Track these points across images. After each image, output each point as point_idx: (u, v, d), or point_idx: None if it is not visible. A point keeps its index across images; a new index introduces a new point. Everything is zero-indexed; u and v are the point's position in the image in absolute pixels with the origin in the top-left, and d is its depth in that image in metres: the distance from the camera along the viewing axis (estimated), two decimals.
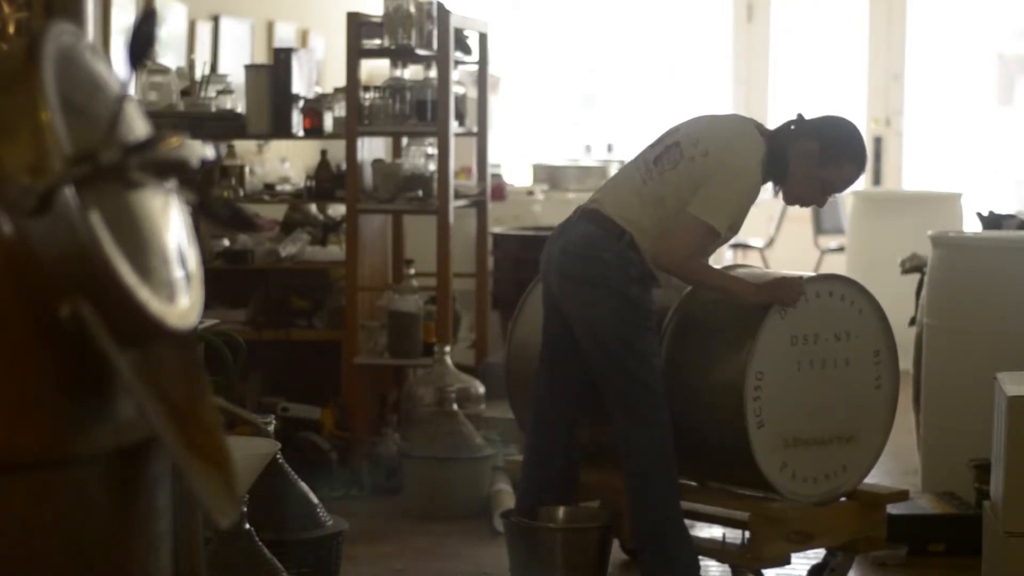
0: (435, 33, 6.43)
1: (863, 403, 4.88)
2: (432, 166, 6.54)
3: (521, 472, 5.02)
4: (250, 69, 6.74)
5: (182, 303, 2.06)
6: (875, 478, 6.51)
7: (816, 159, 4.68)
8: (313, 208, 7.18)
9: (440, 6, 6.42)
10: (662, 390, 4.66)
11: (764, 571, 4.87)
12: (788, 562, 4.81)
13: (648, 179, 4.68)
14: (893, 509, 5.39)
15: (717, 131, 4.72)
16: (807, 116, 4.79)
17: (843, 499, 4.88)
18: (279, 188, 7.00)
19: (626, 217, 4.65)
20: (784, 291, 4.70)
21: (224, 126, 6.57)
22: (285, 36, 9.48)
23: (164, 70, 6.68)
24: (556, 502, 4.85)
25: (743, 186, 4.62)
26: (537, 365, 4.89)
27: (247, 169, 6.85)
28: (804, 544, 4.80)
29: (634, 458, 4.68)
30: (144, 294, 1.94)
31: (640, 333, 4.65)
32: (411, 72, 6.71)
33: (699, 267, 4.68)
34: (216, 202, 2.17)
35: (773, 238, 12.02)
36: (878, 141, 13.93)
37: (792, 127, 4.73)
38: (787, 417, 4.71)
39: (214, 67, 7.88)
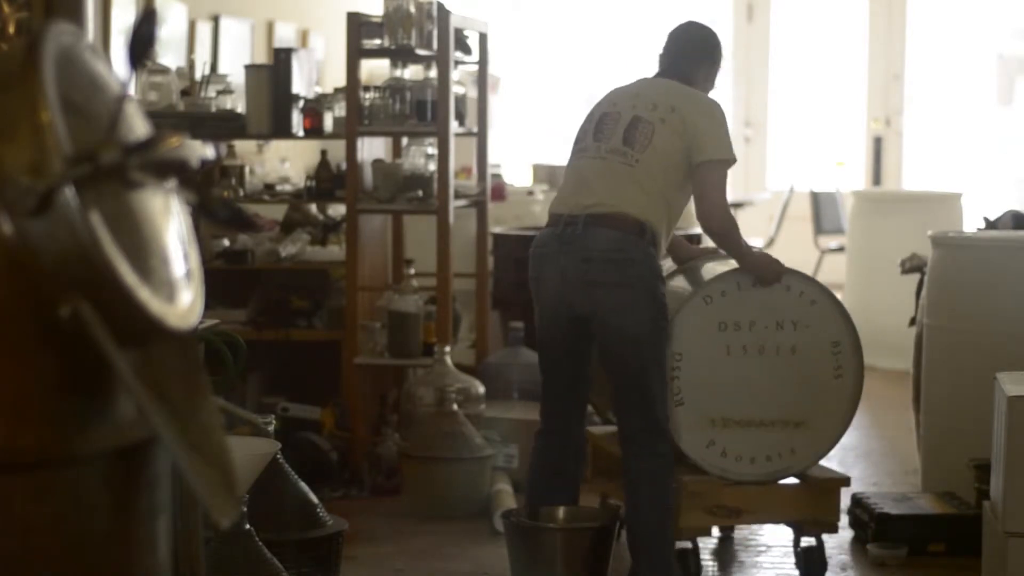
0: (435, 33, 6.43)
1: (818, 390, 5.01)
2: (432, 166, 6.53)
3: (531, 475, 5.02)
4: (250, 69, 6.74)
5: (182, 303, 2.06)
6: (876, 478, 6.55)
7: (713, 71, 5.00)
8: (313, 208, 7.17)
9: (440, 6, 6.42)
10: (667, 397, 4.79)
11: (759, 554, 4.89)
12: (708, 533, 5.11)
13: (631, 162, 4.73)
14: (893, 509, 5.40)
15: (658, 90, 4.87)
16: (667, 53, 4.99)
17: (796, 481, 5.04)
18: (279, 188, 7.00)
19: (640, 211, 4.68)
20: (768, 272, 4.95)
21: (224, 126, 6.56)
22: (285, 36, 9.48)
23: (164, 70, 6.68)
24: (566, 502, 4.88)
25: (722, 112, 4.84)
26: (544, 374, 4.91)
27: (247, 169, 6.84)
28: (731, 519, 5.04)
29: (640, 476, 4.73)
30: (144, 294, 1.94)
31: (664, 335, 4.76)
32: (411, 72, 6.71)
33: (736, 227, 4.88)
34: (216, 202, 2.17)
35: (773, 238, 12.02)
36: (878, 141, 13.94)
37: (668, 61, 4.96)
38: (713, 398, 4.92)
39: (214, 67, 7.88)
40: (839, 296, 10.25)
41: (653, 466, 4.71)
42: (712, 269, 5.10)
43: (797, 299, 4.98)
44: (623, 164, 4.73)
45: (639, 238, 4.66)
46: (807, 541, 5.08)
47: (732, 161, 4.79)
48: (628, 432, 4.75)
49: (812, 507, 5.02)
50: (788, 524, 5.17)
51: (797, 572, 5.15)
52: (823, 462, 5.14)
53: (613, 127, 4.80)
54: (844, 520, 5.66)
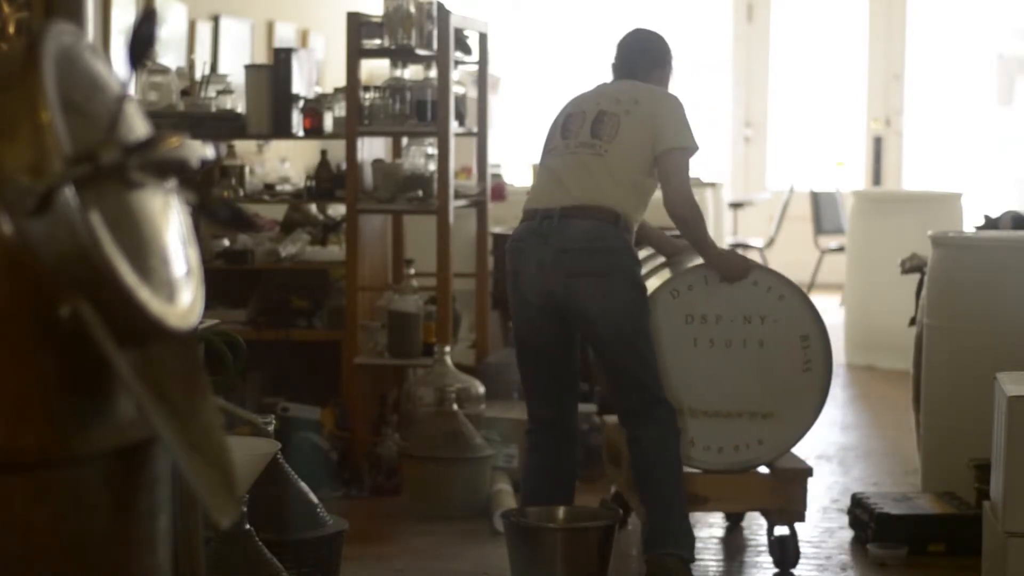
0: (435, 33, 6.43)
1: (786, 383, 5.13)
2: (432, 166, 6.53)
3: (526, 475, 5.10)
4: (250, 69, 6.73)
5: (182, 303, 2.06)
6: (876, 478, 6.54)
7: (668, 76, 5.18)
8: (313, 208, 7.17)
9: (440, 6, 6.42)
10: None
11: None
12: None
13: (600, 152, 4.91)
14: (893, 509, 5.40)
15: (619, 88, 5.06)
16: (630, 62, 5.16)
17: (765, 470, 5.19)
18: (279, 188, 7.00)
19: (612, 199, 4.86)
20: (734, 269, 5.07)
21: (224, 126, 6.56)
22: (285, 36, 9.48)
23: (164, 70, 6.68)
24: (563, 501, 4.94)
25: (682, 104, 4.99)
26: (526, 371, 5.02)
27: (247, 169, 6.84)
28: (698, 506, 5.17)
29: (647, 442, 4.91)
30: (144, 294, 1.94)
31: (647, 315, 4.94)
32: (411, 72, 6.71)
33: (700, 215, 4.99)
34: (216, 202, 2.17)
35: (773, 238, 12.02)
36: (878, 141, 13.94)
37: (623, 70, 5.13)
38: (681, 389, 5.07)
39: (214, 67, 7.88)
40: (839, 296, 10.22)
41: (657, 433, 4.89)
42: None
43: (765, 294, 5.10)
44: (593, 155, 4.91)
45: (614, 226, 4.84)
46: (781, 530, 5.16)
47: (694, 149, 4.95)
48: (628, 409, 4.94)
49: (779, 497, 5.15)
50: (763, 513, 5.30)
51: (796, 569, 5.16)
52: (813, 460, 5.19)
53: (580, 124, 4.98)
54: (844, 520, 5.68)
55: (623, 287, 4.83)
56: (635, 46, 5.18)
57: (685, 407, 5.08)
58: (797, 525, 5.15)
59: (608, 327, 4.83)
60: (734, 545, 5.56)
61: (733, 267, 5.08)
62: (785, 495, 5.14)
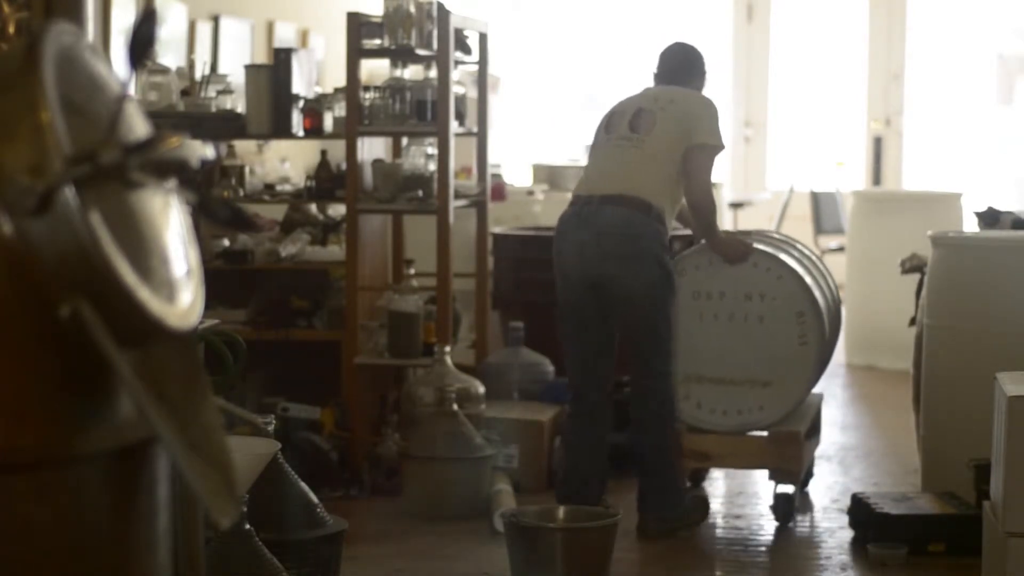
0: (435, 33, 6.43)
1: (783, 355, 5.67)
2: (432, 166, 6.53)
3: (564, 447, 5.64)
4: (250, 69, 6.73)
5: (182, 303, 2.06)
6: (876, 478, 6.55)
7: (703, 82, 5.73)
8: (313, 208, 7.17)
9: (440, 6, 6.42)
10: (675, 348, 5.48)
11: None
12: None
13: (639, 145, 5.46)
14: (893, 509, 5.40)
15: (658, 90, 5.64)
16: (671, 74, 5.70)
17: (764, 433, 5.73)
18: (279, 188, 6.99)
19: (647, 192, 5.37)
20: (735, 252, 5.66)
21: (224, 126, 6.56)
22: (285, 36, 9.48)
23: (164, 70, 6.67)
24: (600, 486, 5.43)
25: (715, 106, 5.57)
26: (568, 343, 5.49)
27: (247, 169, 6.84)
28: (701, 462, 5.87)
29: (644, 416, 5.46)
30: (144, 294, 1.94)
31: (672, 299, 5.46)
32: (411, 72, 6.71)
33: (714, 207, 5.59)
34: (216, 202, 2.17)
35: None
36: (878, 141, 13.94)
37: (664, 78, 5.69)
38: (688, 357, 5.61)
39: (214, 67, 7.88)
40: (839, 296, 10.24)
41: (654, 407, 5.43)
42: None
43: (764, 274, 5.67)
44: (631, 147, 5.46)
45: (646, 216, 5.35)
46: (782, 488, 5.67)
47: (720, 148, 5.49)
48: (636, 380, 5.48)
49: (774, 457, 5.67)
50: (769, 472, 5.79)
51: (796, 570, 5.17)
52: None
53: (620, 121, 5.56)
54: (844, 520, 5.69)
55: (650, 269, 5.34)
56: (678, 57, 5.72)
57: (692, 374, 5.64)
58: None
59: (631, 305, 5.37)
60: (734, 544, 5.56)
61: (735, 250, 5.66)
62: (781, 455, 5.64)
